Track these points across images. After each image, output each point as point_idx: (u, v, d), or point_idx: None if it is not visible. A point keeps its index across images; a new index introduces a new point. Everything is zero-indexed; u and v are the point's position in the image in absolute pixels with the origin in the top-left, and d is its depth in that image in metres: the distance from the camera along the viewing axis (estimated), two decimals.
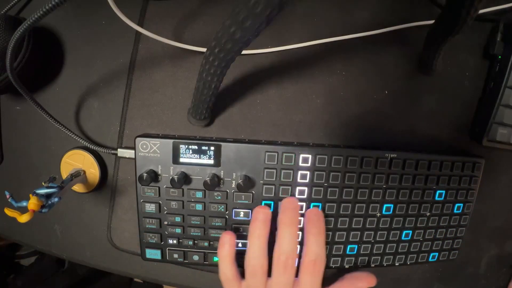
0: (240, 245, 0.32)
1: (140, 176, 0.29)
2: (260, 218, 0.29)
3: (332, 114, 0.33)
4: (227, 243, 0.29)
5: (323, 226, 0.30)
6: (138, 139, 0.29)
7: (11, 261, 0.76)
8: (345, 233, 0.32)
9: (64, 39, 0.34)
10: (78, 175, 0.32)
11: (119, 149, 0.32)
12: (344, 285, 0.31)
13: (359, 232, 0.33)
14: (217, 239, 0.32)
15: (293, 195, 0.31)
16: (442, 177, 0.32)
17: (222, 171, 0.30)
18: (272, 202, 0.31)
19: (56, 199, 0.26)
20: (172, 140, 0.29)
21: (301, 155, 0.30)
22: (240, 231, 0.32)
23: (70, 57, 0.34)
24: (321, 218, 0.30)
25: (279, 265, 0.28)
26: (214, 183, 0.29)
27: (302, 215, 0.31)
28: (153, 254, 0.33)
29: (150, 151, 0.30)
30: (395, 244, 0.34)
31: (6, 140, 0.36)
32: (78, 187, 0.34)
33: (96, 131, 0.34)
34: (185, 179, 0.29)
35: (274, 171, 0.30)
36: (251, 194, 0.31)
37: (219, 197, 0.31)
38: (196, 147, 0.29)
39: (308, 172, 0.30)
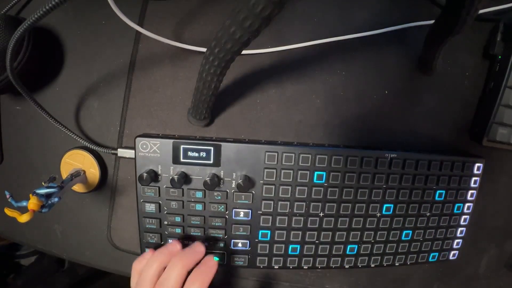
0: (240, 245, 0.32)
1: (140, 176, 0.29)
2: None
3: (332, 114, 0.33)
4: (145, 260, 0.29)
5: (206, 277, 0.28)
6: (138, 139, 0.29)
7: (11, 261, 0.76)
8: (345, 233, 0.32)
9: (64, 39, 0.34)
10: (78, 175, 0.32)
11: (119, 149, 0.32)
12: None
13: (359, 232, 0.33)
14: (217, 239, 0.32)
15: (293, 195, 0.31)
16: (442, 177, 0.32)
17: (222, 171, 0.30)
18: (272, 202, 0.31)
19: (56, 199, 0.26)
20: (172, 140, 0.29)
21: (301, 155, 0.30)
22: (240, 231, 0.32)
23: (70, 57, 0.34)
24: (210, 268, 0.28)
25: None
26: (214, 183, 0.29)
27: None
28: None
29: (150, 151, 0.30)
30: (395, 244, 0.34)
31: (6, 140, 0.36)
32: (78, 187, 0.34)
33: (96, 131, 0.34)
34: (185, 179, 0.29)
35: (274, 171, 0.30)
36: (251, 194, 0.31)
37: (219, 197, 0.31)
38: (196, 147, 0.29)
39: (308, 172, 0.30)
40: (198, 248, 0.29)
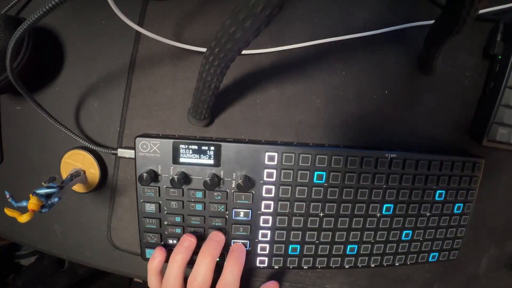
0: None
1: (140, 176, 0.29)
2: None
3: (332, 114, 0.33)
4: (158, 258, 0.31)
5: (242, 260, 0.31)
6: (138, 139, 0.29)
7: (11, 261, 0.76)
8: (345, 233, 0.32)
9: (64, 39, 0.34)
10: (78, 175, 0.32)
11: (119, 149, 0.32)
12: None
13: (359, 232, 0.33)
14: None
15: (293, 195, 0.31)
16: (442, 177, 0.32)
17: (222, 171, 0.30)
18: (272, 202, 0.31)
19: (56, 199, 0.26)
20: (172, 140, 0.29)
21: (301, 155, 0.30)
22: (240, 231, 0.32)
23: (70, 57, 0.34)
24: (242, 252, 0.31)
25: None
26: (214, 183, 0.29)
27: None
28: None
29: (150, 151, 0.30)
30: (395, 244, 0.34)
31: (6, 140, 0.36)
32: (78, 187, 0.34)
33: (96, 131, 0.34)
34: (185, 179, 0.29)
35: (274, 171, 0.30)
36: (251, 194, 0.31)
37: (219, 197, 0.31)
38: (196, 147, 0.29)
39: (308, 172, 0.30)
40: (219, 237, 0.31)
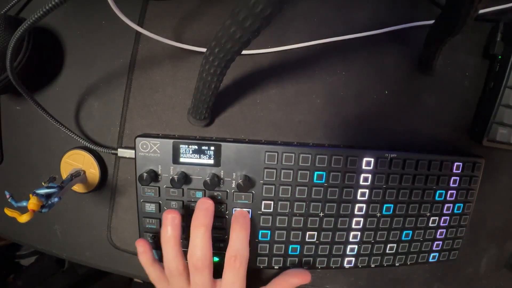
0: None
1: (140, 176, 0.29)
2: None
3: (332, 114, 0.33)
4: (141, 249, 0.29)
5: (247, 224, 0.30)
6: (138, 139, 0.29)
7: (11, 261, 0.76)
8: (345, 233, 0.32)
9: (64, 39, 0.34)
10: (78, 175, 0.32)
11: (119, 149, 0.32)
12: (277, 282, 0.31)
13: (359, 232, 0.33)
14: (217, 239, 0.32)
15: (293, 195, 0.31)
16: (442, 177, 0.32)
17: (222, 171, 0.30)
18: (272, 202, 0.31)
19: (56, 199, 0.26)
20: (172, 140, 0.29)
21: (301, 155, 0.30)
22: None
23: (70, 57, 0.34)
24: (246, 217, 0.30)
25: (191, 267, 0.28)
26: (214, 183, 0.29)
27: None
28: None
29: (150, 151, 0.30)
30: (395, 244, 0.34)
31: (6, 140, 0.36)
32: (78, 187, 0.34)
33: (96, 131, 0.34)
34: (185, 179, 0.29)
35: (274, 171, 0.30)
36: (251, 194, 0.31)
37: (219, 197, 0.31)
38: (196, 147, 0.29)
39: (307, 172, 0.30)
40: (206, 203, 0.29)
